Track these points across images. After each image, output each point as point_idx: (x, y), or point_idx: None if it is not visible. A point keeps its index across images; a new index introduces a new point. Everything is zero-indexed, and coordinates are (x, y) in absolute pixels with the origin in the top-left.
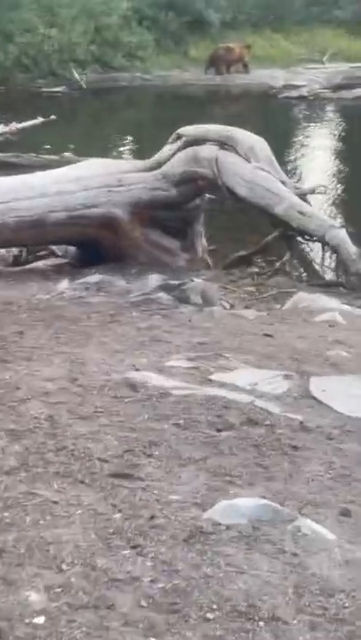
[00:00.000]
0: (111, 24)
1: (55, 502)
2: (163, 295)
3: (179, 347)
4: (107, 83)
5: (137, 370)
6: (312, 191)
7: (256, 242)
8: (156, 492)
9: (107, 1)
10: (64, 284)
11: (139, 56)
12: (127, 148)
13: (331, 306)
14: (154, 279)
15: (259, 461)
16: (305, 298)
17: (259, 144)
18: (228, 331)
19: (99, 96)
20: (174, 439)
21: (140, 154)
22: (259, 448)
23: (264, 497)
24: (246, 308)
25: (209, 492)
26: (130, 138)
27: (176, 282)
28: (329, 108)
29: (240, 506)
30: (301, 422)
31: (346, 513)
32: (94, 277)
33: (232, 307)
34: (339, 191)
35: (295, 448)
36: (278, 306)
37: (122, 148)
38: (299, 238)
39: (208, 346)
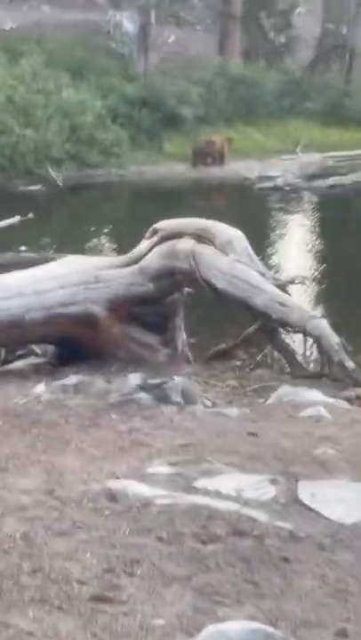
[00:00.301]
0: (86, 122)
1: (30, 633)
2: (143, 395)
3: (160, 450)
4: (83, 180)
5: (117, 478)
6: (291, 282)
7: (237, 334)
8: (138, 616)
9: (82, 101)
10: (41, 387)
11: (114, 152)
12: (105, 244)
13: (315, 399)
14: (133, 378)
15: (248, 577)
16: (289, 391)
17: (236, 236)
18: (210, 431)
19: (75, 193)
20: (157, 555)
21: (117, 249)
22: (247, 562)
23: (255, 618)
24: (229, 404)
25: (195, 615)
26: (107, 234)
27: (156, 381)
28: (304, 197)
29: (229, 631)
30: (291, 531)
31: (343, 633)
32: (72, 378)
33: (214, 404)
34: (318, 281)
35: (286, 560)
36: (262, 400)
37: (99, 245)
38: (280, 330)
39: (191, 448)
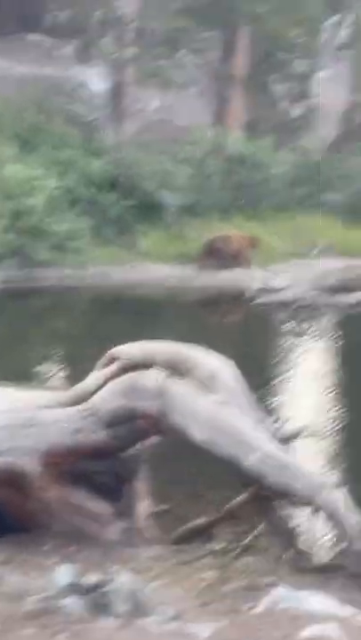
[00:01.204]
0: (34, 207)
1: None
2: (73, 601)
3: None
4: (27, 283)
5: None
6: (297, 434)
7: (219, 503)
8: None
9: (30, 178)
10: None
11: (70, 248)
12: (50, 371)
13: (324, 609)
14: (62, 574)
15: None
16: (286, 595)
17: (224, 370)
18: None
19: (15, 301)
20: None
21: (69, 379)
22: None
23: None
24: (201, 608)
25: None
26: (55, 358)
27: (93, 579)
28: (321, 317)
29: None
30: None
31: None
32: None
33: (177, 616)
34: (336, 434)
35: None
36: (248, 606)
37: (44, 373)
38: (279, 501)
39: None
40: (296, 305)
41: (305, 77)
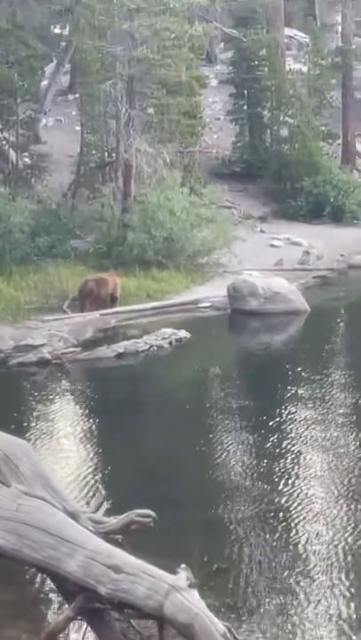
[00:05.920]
0: None
1: None
2: None
3: None
4: None
5: None
6: (129, 524)
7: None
8: None
9: None
10: None
11: None
12: None
13: None
14: None
15: None
16: None
17: (20, 451)
18: None
19: None
20: None
21: None
22: None
23: None
24: None
25: None
26: None
27: None
28: (82, 373)
29: None
30: None
31: None
32: None
33: None
34: (164, 514)
35: None
36: None
37: None
38: (115, 615)
39: None
40: (54, 362)
41: (31, 123)
